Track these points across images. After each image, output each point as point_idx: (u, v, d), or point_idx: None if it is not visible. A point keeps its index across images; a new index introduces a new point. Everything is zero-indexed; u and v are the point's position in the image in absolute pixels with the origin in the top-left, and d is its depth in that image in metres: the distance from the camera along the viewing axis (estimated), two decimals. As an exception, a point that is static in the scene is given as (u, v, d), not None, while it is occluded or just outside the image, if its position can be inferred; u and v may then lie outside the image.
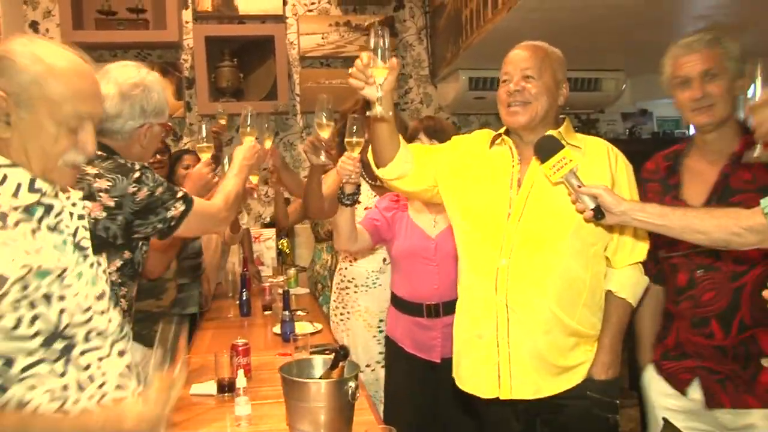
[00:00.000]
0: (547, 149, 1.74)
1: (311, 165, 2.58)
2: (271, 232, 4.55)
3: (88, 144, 1.30)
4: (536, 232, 1.85)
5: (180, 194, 1.88)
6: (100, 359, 1.32)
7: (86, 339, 1.29)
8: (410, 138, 2.47)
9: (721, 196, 1.87)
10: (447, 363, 2.41)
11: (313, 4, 4.96)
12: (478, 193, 1.96)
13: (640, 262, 1.92)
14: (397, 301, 2.56)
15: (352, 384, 1.80)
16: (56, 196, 1.32)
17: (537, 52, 1.92)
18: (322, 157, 2.45)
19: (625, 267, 1.91)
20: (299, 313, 3.28)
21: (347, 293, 2.92)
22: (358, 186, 2.21)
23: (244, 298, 3.49)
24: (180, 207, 1.87)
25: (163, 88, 2.04)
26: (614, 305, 1.91)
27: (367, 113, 1.84)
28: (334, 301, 3.04)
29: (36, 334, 1.20)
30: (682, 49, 1.91)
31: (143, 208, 1.80)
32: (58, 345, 1.24)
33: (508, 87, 1.91)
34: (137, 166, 1.83)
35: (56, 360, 1.24)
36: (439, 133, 2.48)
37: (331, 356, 1.91)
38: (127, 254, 1.88)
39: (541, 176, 1.84)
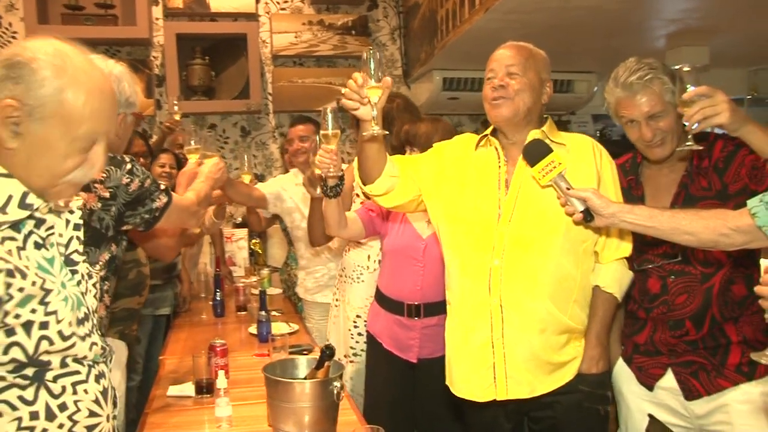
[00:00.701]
0: (535, 153, 1.76)
1: (312, 198, 2.57)
2: (243, 232, 4.50)
3: (97, 164, 1.22)
4: (527, 233, 1.87)
5: (162, 186, 1.96)
6: (76, 384, 1.24)
7: (62, 364, 1.22)
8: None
9: (683, 204, 1.93)
10: (424, 363, 2.43)
11: (286, 2, 4.93)
12: (466, 197, 1.97)
13: (625, 258, 1.95)
14: (380, 297, 2.56)
15: (337, 384, 1.79)
16: (50, 210, 1.24)
17: (521, 51, 1.95)
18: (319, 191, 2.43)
19: (611, 262, 1.94)
20: (274, 313, 3.26)
21: (341, 281, 2.98)
22: (341, 177, 2.18)
23: (218, 298, 3.46)
24: (164, 198, 1.95)
25: (132, 78, 2.07)
26: (601, 300, 1.94)
27: (363, 133, 1.83)
28: (335, 286, 3.12)
29: (9, 362, 1.13)
30: (621, 91, 1.93)
31: (134, 198, 1.86)
32: (29, 371, 1.17)
33: (493, 83, 1.93)
34: (127, 158, 1.88)
35: (26, 386, 1.17)
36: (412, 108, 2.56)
37: (315, 356, 1.90)
38: (114, 247, 1.90)
39: (529, 176, 1.85)
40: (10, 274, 1.11)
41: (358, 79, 1.74)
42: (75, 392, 1.23)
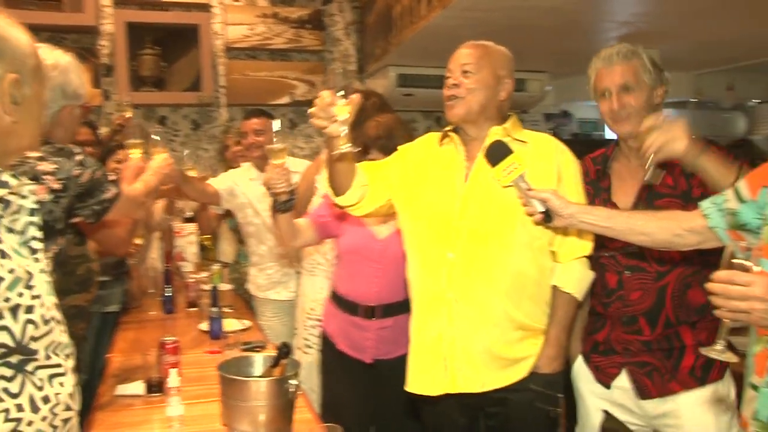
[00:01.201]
0: (497, 154, 1.77)
1: None
2: (193, 227, 4.40)
3: None
4: (483, 226, 1.89)
5: (111, 178, 1.95)
6: (54, 377, 1.22)
7: (46, 356, 1.20)
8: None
9: (647, 199, 1.97)
10: (380, 363, 2.42)
11: (240, -7, 4.86)
12: (428, 192, 1.98)
13: (586, 257, 1.97)
14: (334, 297, 2.54)
15: (293, 382, 1.77)
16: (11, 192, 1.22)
17: (477, 49, 1.98)
18: None
19: (570, 261, 1.96)
20: (226, 309, 3.20)
21: (300, 273, 3.00)
22: (292, 191, 2.15)
23: (168, 294, 3.38)
24: (113, 190, 1.94)
25: (80, 69, 2.04)
26: (560, 300, 1.95)
27: (333, 152, 1.80)
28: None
29: None
30: (602, 62, 2.01)
31: (86, 190, 1.84)
32: (15, 359, 1.14)
33: (448, 82, 1.98)
34: (76, 149, 1.85)
35: (12, 378, 1.14)
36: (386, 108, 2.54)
37: (271, 353, 1.87)
38: (60, 241, 1.85)
39: (487, 171, 1.86)
40: (2, 254, 1.11)
41: (326, 98, 1.71)
42: (52, 385, 1.22)
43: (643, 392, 1.98)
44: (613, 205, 2.00)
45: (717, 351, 1.36)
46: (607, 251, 2.01)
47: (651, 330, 1.96)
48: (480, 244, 1.89)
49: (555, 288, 1.96)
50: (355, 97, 1.74)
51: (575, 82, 5.20)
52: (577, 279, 1.96)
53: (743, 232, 1.49)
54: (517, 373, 1.92)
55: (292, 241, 2.37)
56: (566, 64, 4.56)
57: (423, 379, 1.95)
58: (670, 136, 1.68)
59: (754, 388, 1.38)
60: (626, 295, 1.99)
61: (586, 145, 5.14)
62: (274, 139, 2.07)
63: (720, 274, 1.27)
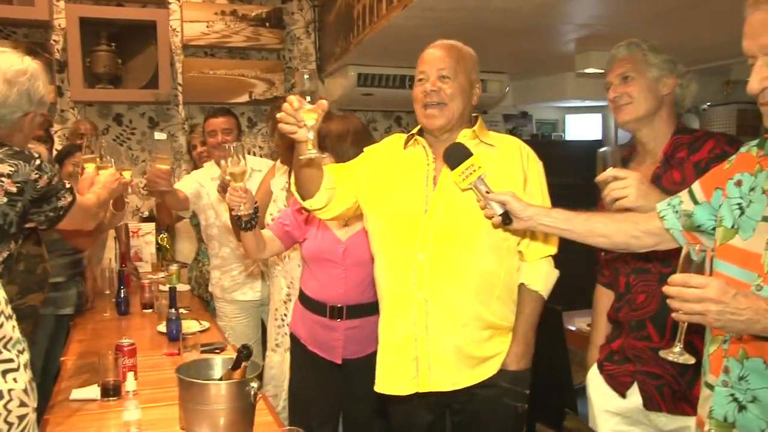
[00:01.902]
0: (455, 156, 1.77)
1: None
2: (150, 227, 4.36)
3: None
4: (452, 228, 1.89)
5: (68, 185, 1.95)
6: (7, 373, 1.21)
7: None
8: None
9: None
10: (348, 364, 2.41)
11: (197, -10, 4.79)
12: (394, 194, 1.97)
13: (551, 256, 1.99)
14: (303, 298, 2.53)
15: (254, 385, 1.75)
16: None
17: (452, 52, 1.96)
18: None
19: (537, 260, 1.98)
20: (183, 311, 3.15)
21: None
22: (255, 209, 2.15)
23: (122, 296, 3.32)
24: (68, 197, 1.94)
25: (47, 77, 2.03)
26: (527, 298, 1.98)
27: (300, 157, 1.79)
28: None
29: None
30: (610, 59, 2.02)
31: (41, 195, 1.84)
32: None
33: (425, 86, 1.94)
34: (35, 154, 1.85)
35: None
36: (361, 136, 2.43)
37: (231, 356, 1.85)
38: (13, 245, 1.84)
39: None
40: None
41: (294, 102, 1.69)
42: (6, 380, 1.20)
43: (651, 403, 1.91)
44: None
45: (675, 353, 1.38)
46: (617, 252, 1.96)
47: (660, 336, 1.89)
48: (448, 245, 1.89)
49: (522, 286, 1.98)
50: (324, 103, 1.72)
51: (534, 83, 5.27)
52: (543, 277, 1.98)
53: (698, 233, 1.52)
54: (487, 371, 1.93)
55: (259, 254, 2.38)
56: (525, 65, 4.62)
57: (393, 379, 1.94)
58: (622, 189, 1.70)
59: (710, 387, 1.41)
60: (632, 299, 1.95)
61: (544, 146, 5.23)
62: (230, 161, 2.04)
63: (675, 277, 1.29)
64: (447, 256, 1.89)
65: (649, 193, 1.70)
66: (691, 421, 1.82)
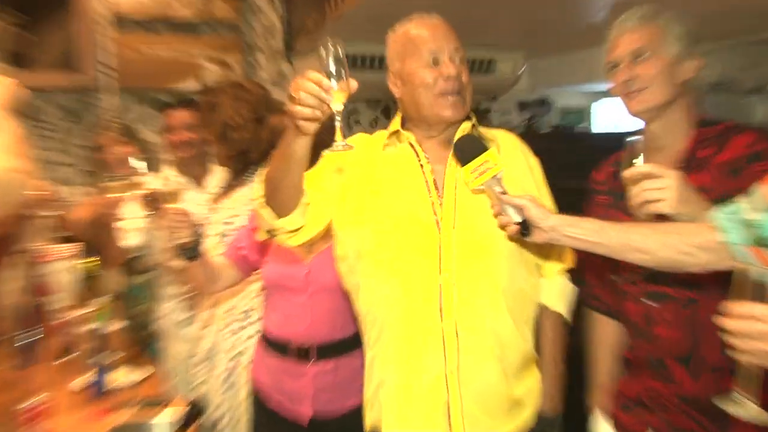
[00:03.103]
0: (468, 150, 1.76)
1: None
2: (70, 249, 4.30)
3: None
4: (478, 239, 1.89)
5: None
6: None
7: None
8: None
9: None
10: (316, 425, 2.38)
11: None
12: (389, 205, 1.94)
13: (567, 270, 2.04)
14: (263, 340, 2.52)
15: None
16: None
17: (448, 27, 1.99)
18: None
19: (555, 276, 2.02)
20: (114, 356, 3.11)
21: None
22: (199, 234, 2.19)
23: (28, 340, 3.26)
24: None
25: None
26: (551, 322, 2.03)
27: (325, 151, 1.72)
28: None
29: None
30: (616, 29, 1.97)
31: None
32: None
33: (443, 71, 1.92)
34: None
35: None
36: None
37: (177, 410, 1.82)
38: None
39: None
40: None
41: (322, 81, 1.58)
42: None
43: None
44: (631, 218, 1.86)
45: (734, 403, 1.35)
46: (624, 273, 1.97)
47: (687, 378, 1.85)
48: (477, 261, 1.89)
49: (544, 308, 2.01)
50: (353, 84, 1.63)
51: (556, 62, 5.27)
52: (565, 296, 2.04)
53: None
54: (520, 413, 1.95)
55: (212, 286, 2.42)
56: (544, 39, 4.62)
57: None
58: (658, 191, 1.65)
59: None
60: (649, 331, 1.93)
61: (567, 140, 5.20)
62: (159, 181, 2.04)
63: (737, 307, 1.26)
64: (476, 276, 1.88)
65: (691, 199, 1.65)
66: None
